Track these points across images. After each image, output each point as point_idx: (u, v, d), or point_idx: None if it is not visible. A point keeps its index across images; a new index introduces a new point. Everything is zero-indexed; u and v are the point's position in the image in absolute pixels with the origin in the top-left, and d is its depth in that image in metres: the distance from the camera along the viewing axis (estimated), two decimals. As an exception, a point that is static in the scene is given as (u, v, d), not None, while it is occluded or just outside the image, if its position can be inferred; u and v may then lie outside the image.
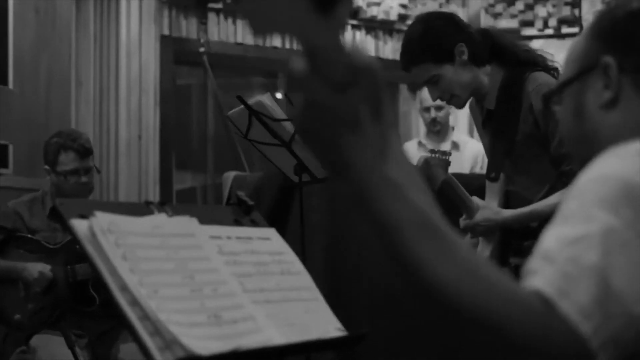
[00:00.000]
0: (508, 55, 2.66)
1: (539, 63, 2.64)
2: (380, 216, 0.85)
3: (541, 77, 2.56)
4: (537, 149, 2.58)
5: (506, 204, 2.67)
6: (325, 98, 0.82)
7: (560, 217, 0.94)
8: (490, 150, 2.75)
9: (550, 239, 0.91)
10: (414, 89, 2.73)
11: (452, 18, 2.74)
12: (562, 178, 2.54)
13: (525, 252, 2.65)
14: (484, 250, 2.70)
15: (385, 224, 0.85)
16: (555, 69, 2.62)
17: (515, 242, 2.68)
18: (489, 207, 2.61)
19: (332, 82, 0.83)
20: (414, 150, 4.90)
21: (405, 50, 2.72)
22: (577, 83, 1.20)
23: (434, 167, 2.62)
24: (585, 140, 1.18)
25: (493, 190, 2.67)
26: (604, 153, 1.00)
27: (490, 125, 2.71)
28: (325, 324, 1.51)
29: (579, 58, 1.21)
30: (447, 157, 2.64)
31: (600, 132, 1.15)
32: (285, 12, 0.80)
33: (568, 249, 0.88)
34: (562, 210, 0.95)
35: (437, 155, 2.64)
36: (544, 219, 2.55)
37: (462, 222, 2.65)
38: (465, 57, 2.61)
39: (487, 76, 2.65)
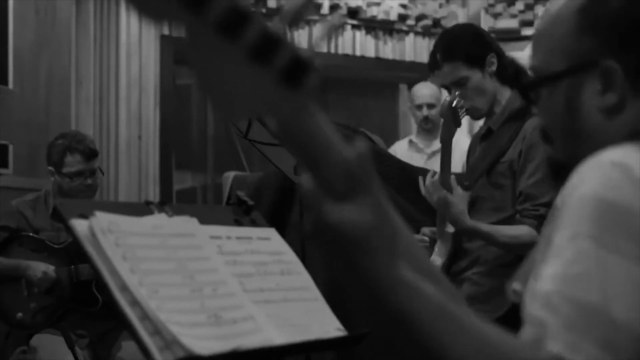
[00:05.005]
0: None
1: None
2: (399, 314, 0.88)
3: None
4: (508, 179, 2.68)
5: (469, 212, 2.75)
6: (331, 211, 0.85)
7: (554, 250, 0.95)
8: (474, 162, 2.83)
9: (548, 279, 0.93)
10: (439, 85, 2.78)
11: (487, 32, 2.91)
12: (518, 215, 2.64)
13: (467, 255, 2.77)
14: (438, 257, 2.77)
15: (404, 321, 0.88)
16: None
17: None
18: (462, 201, 2.66)
19: (335, 192, 0.85)
20: (405, 149, 4.89)
21: (440, 46, 2.78)
22: (567, 79, 1.11)
23: (451, 119, 2.69)
24: (578, 138, 1.12)
25: (462, 198, 2.74)
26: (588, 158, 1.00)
27: (485, 142, 2.80)
28: (325, 324, 1.51)
29: (567, 51, 1.11)
30: (460, 121, 2.71)
31: (600, 136, 1.08)
32: (253, 93, 0.79)
33: (567, 291, 0.90)
34: (554, 239, 0.96)
35: (462, 109, 2.69)
36: (490, 244, 2.66)
37: (432, 182, 2.69)
38: (493, 68, 2.73)
39: (504, 98, 2.75)
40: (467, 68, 2.70)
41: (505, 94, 2.76)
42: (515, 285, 1.15)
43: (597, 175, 0.96)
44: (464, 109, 2.70)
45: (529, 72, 2.91)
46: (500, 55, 2.76)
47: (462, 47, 2.72)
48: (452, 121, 2.69)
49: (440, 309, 0.89)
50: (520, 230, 2.60)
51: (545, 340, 0.90)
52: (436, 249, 2.79)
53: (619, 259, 0.90)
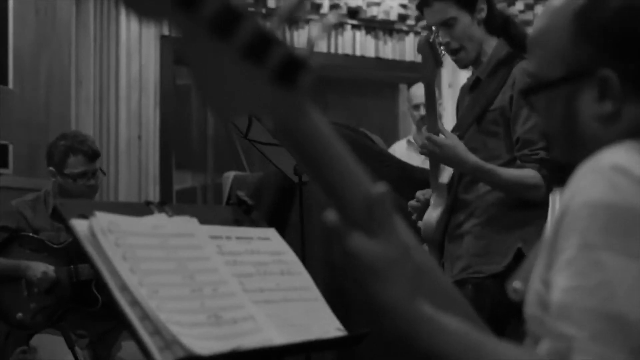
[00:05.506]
0: (516, 38, 2.75)
1: None
2: (426, 349, 0.92)
3: None
4: (500, 126, 2.65)
5: None
6: (355, 241, 0.88)
7: (566, 261, 0.95)
8: (463, 113, 2.80)
9: (566, 292, 0.93)
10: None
11: None
12: (518, 161, 2.60)
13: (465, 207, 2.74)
14: (433, 209, 2.74)
15: (431, 354, 0.93)
16: None
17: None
18: (460, 142, 2.63)
19: (363, 227, 0.88)
20: (403, 149, 4.89)
21: None
22: (564, 86, 1.10)
23: (431, 55, 2.64)
24: (575, 144, 1.12)
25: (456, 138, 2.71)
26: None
27: (474, 92, 2.77)
28: (325, 324, 1.51)
29: (563, 59, 1.10)
30: (441, 59, 2.67)
31: (596, 143, 1.07)
32: (247, 92, 0.80)
33: (589, 303, 0.91)
34: (562, 248, 0.96)
35: (440, 47, 2.66)
36: (494, 185, 2.61)
37: (425, 132, 2.66)
38: (483, 15, 2.70)
39: (490, 48, 2.73)
40: (457, 9, 2.68)
41: (492, 44, 2.73)
42: (516, 284, 1.15)
43: (599, 181, 0.96)
44: (443, 47, 2.66)
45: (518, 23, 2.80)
46: (491, 5, 2.73)
47: None
48: (431, 58, 2.63)
49: (463, 339, 0.93)
50: (526, 172, 2.57)
51: (571, 354, 0.90)
52: (432, 201, 2.76)
53: (634, 261, 0.91)
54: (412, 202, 2.80)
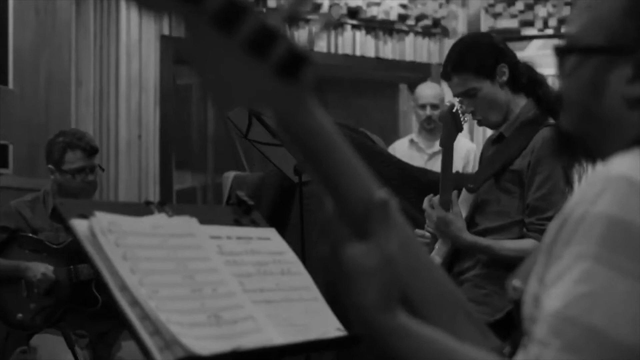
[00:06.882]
0: (544, 99, 2.74)
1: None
2: (396, 356, 0.93)
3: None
4: (516, 186, 2.68)
5: (473, 214, 2.77)
6: (343, 245, 0.89)
7: (561, 269, 0.94)
8: (483, 164, 2.84)
9: (554, 299, 0.92)
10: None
11: (501, 41, 2.85)
12: (525, 228, 2.65)
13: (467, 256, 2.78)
14: (437, 256, 2.77)
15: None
16: None
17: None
18: (460, 218, 2.69)
19: (355, 228, 0.88)
20: (405, 148, 4.89)
21: (449, 57, 2.79)
22: (601, 56, 1.06)
23: (452, 124, 2.73)
24: (592, 118, 1.07)
25: (467, 200, 2.76)
26: (605, 145, 0.99)
27: (496, 147, 2.79)
28: (325, 324, 1.51)
29: (607, 29, 1.06)
30: (462, 126, 2.75)
31: (614, 123, 1.04)
32: (250, 85, 0.80)
33: (571, 312, 0.90)
34: (562, 255, 0.95)
35: (462, 116, 2.73)
36: (494, 258, 2.67)
37: (430, 202, 2.73)
38: (505, 78, 2.71)
39: (518, 107, 2.73)
40: (476, 79, 2.69)
41: (520, 102, 2.73)
42: (516, 282, 1.14)
43: (606, 192, 0.93)
44: (465, 115, 2.72)
45: (544, 79, 2.79)
46: (514, 64, 2.72)
47: (471, 59, 2.70)
48: (452, 126, 2.71)
49: (436, 347, 0.93)
50: (525, 244, 2.61)
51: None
52: (436, 246, 2.79)
53: (625, 278, 0.89)
54: (419, 231, 2.82)
